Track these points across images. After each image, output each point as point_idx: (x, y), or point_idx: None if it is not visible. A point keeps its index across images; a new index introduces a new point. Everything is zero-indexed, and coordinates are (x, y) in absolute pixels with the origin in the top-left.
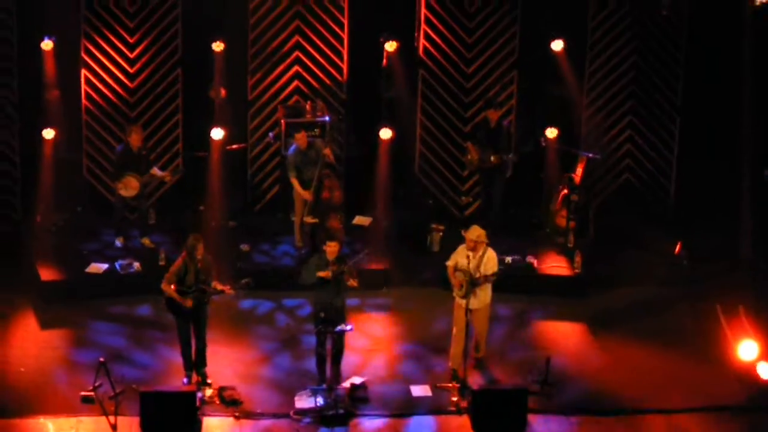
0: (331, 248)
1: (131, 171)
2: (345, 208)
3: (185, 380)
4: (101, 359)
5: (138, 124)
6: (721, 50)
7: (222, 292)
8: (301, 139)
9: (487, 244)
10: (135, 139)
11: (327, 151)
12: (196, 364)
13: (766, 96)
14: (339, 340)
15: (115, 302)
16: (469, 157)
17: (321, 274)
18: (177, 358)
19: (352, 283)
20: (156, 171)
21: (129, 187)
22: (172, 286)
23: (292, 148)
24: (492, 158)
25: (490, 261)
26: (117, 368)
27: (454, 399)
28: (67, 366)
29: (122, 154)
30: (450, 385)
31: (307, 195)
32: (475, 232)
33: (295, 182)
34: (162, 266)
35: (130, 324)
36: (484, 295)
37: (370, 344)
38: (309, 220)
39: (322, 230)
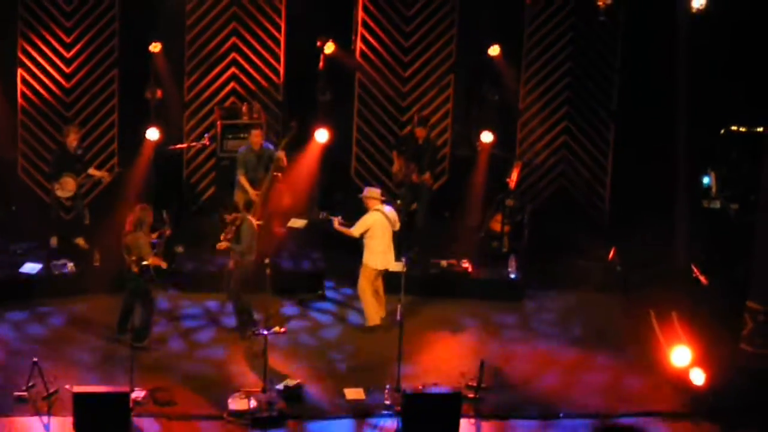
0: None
1: (68, 171)
2: (289, 212)
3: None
4: (34, 359)
5: (75, 125)
6: (656, 56)
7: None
8: (256, 136)
9: (383, 202)
10: (72, 139)
11: (281, 154)
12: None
13: (701, 102)
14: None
15: (49, 302)
16: (395, 169)
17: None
18: (111, 360)
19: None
20: (93, 171)
21: (65, 187)
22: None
23: (244, 147)
24: (414, 177)
25: (358, 222)
26: (51, 368)
27: (387, 402)
28: (0, 366)
29: (59, 154)
30: None
31: (254, 194)
32: (364, 191)
33: (243, 180)
34: (97, 267)
35: (64, 324)
36: (364, 252)
37: (304, 346)
38: (253, 220)
39: (266, 233)
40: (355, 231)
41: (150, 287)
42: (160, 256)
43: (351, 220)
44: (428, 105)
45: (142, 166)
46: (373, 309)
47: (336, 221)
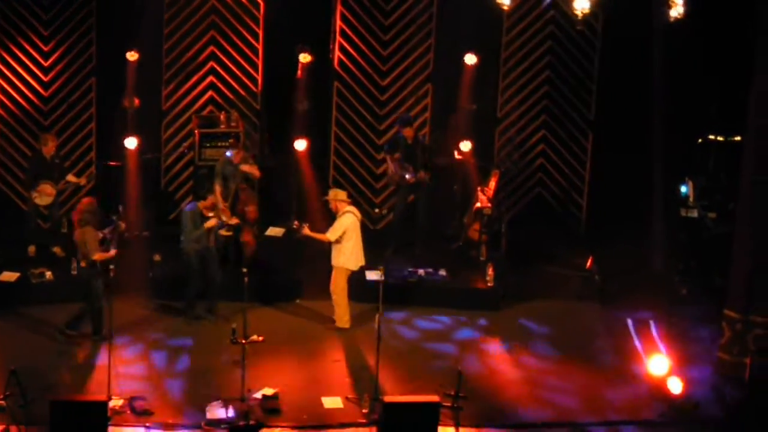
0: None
1: (45, 179)
2: (260, 222)
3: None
4: (12, 368)
5: (52, 133)
6: (634, 65)
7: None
8: (237, 154)
9: (350, 204)
10: (50, 147)
11: (247, 168)
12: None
13: (677, 111)
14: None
15: (27, 310)
16: (388, 172)
17: (208, 224)
18: (89, 368)
19: (233, 220)
20: (71, 177)
21: (44, 194)
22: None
23: (223, 158)
24: (407, 177)
25: (333, 226)
26: (28, 377)
27: (365, 411)
28: None
29: (35, 162)
30: None
31: (223, 205)
32: (330, 193)
33: (217, 190)
34: (74, 275)
35: (42, 332)
36: (334, 255)
37: (282, 355)
38: (223, 233)
39: (234, 244)
40: (331, 236)
41: (94, 282)
42: (110, 251)
43: (327, 226)
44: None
45: (119, 174)
46: (345, 311)
47: (305, 228)
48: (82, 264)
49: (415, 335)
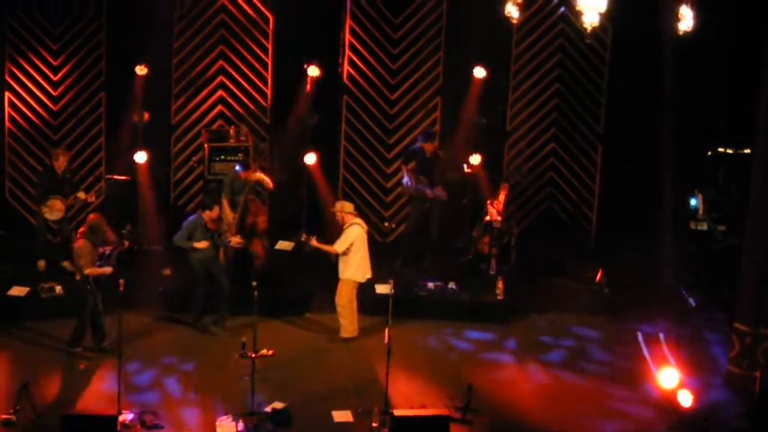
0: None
1: (56, 194)
2: (269, 233)
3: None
4: (24, 383)
5: (63, 148)
6: (643, 78)
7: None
8: (253, 171)
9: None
10: (62, 162)
11: (261, 176)
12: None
13: (686, 123)
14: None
15: (37, 325)
16: (403, 182)
17: (197, 245)
18: (100, 382)
19: (236, 240)
20: (81, 194)
21: (54, 209)
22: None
23: (233, 172)
24: (428, 192)
25: (340, 238)
26: (38, 391)
27: (375, 425)
28: None
29: (46, 177)
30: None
31: (230, 216)
32: (337, 205)
33: (225, 202)
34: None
35: (52, 347)
36: (342, 268)
37: (292, 368)
38: (236, 241)
39: (243, 255)
40: (339, 247)
41: (88, 297)
42: (105, 268)
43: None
44: (416, 127)
45: (129, 188)
46: (351, 321)
47: (313, 240)
48: (77, 277)
49: (425, 348)
